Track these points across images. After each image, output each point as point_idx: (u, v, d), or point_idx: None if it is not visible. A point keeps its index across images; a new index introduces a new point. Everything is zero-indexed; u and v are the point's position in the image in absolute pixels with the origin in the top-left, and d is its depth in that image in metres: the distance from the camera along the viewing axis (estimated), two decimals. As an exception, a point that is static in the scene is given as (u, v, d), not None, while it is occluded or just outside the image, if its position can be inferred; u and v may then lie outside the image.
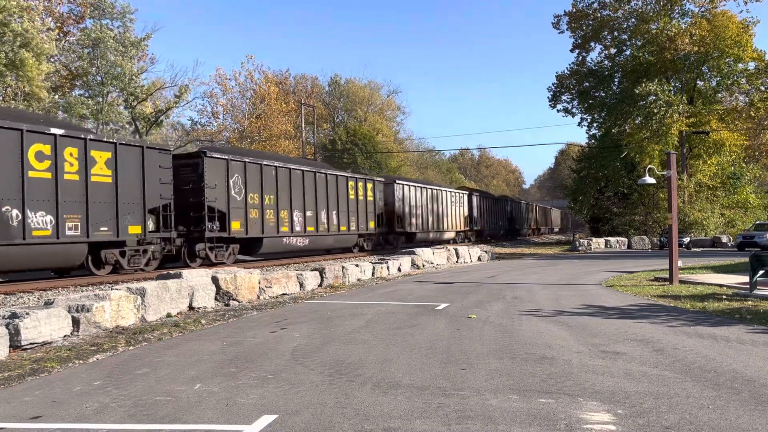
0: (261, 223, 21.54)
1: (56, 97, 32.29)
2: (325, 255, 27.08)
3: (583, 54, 48.49)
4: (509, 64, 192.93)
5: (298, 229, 23.79)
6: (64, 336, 8.65)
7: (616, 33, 46.14)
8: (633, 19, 44.55)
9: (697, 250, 35.46)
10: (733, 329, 8.77)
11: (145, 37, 38.09)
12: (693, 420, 4.76)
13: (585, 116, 49.78)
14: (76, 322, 8.95)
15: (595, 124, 49.41)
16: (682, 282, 15.63)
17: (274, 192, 22.38)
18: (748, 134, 43.42)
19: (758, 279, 13.12)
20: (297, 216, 23.77)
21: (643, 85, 39.58)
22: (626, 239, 40.62)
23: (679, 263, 16.63)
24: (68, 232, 14.65)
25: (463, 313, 10.80)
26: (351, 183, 28.24)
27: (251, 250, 21.90)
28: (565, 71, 49.69)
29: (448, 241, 40.15)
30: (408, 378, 6.19)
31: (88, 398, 5.68)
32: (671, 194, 15.89)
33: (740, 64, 41.63)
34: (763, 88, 42.12)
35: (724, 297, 12.50)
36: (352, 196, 28.07)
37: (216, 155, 19.91)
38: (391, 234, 33.25)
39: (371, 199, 29.99)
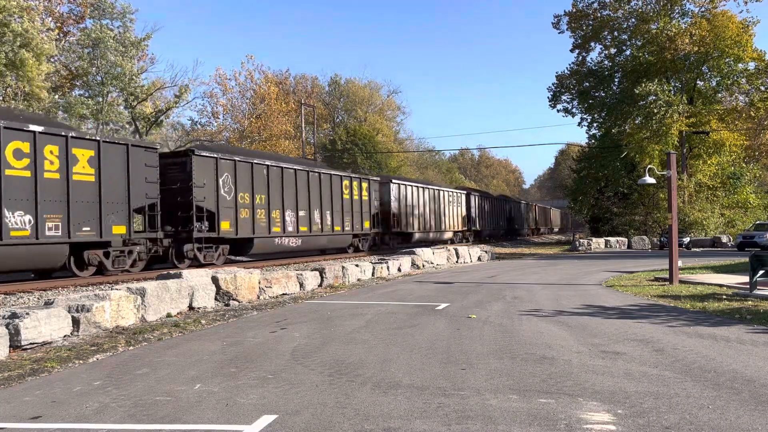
0: (252, 223, 21.17)
1: (56, 97, 32.30)
2: (318, 256, 26.66)
3: (583, 54, 48.55)
4: (509, 64, 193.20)
5: (290, 229, 23.39)
6: (64, 336, 8.66)
7: (616, 33, 46.15)
8: (633, 19, 44.56)
9: (697, 250, 35.46)
10: (733, 329, 8.77)
11: (145, 37, 38.10)
12: (693, 420, 4.76)
13: (585, 116, 49.83)
14: (76, 322, 8.95)
15: (595, 124, 49.44)
16: (682, 282, 15.62)
17: (266, 191, 21.99)
18: (748, 134, 43.42)
19: (758, 279, 13.12)
20: (289, 216, 23.38)
21: (643, 85, 39.59)
22: (626, 239, 40.62)
23: (679, 263, 16.63)
24: (48, 233, 14.31)
25: (463, 313, 10.80)
26: (345, 182, 27.84)
27: (242, 250, 21.52)
28: (565, 71, 49.75)
29: (445, 242, 39.75)
30: (408, 378, 6.19)
31: (88, 398, 5.68)
32: (671, 194, 15.89)
33: (740, 64, 41.64)
34: (763, 88, 42.12)
35: (724, 297, 12.50)
36: (346, 196, 27.65)
37: (204, 153, 19.55)
38: (387, 234, 32.87)
39: (366, 198, 29.59)
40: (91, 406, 5.40)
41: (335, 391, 5.73)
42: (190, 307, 11.59)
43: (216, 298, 12.35)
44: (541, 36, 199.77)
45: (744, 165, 46.83)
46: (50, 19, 33.64)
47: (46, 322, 8.25)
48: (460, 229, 43.32)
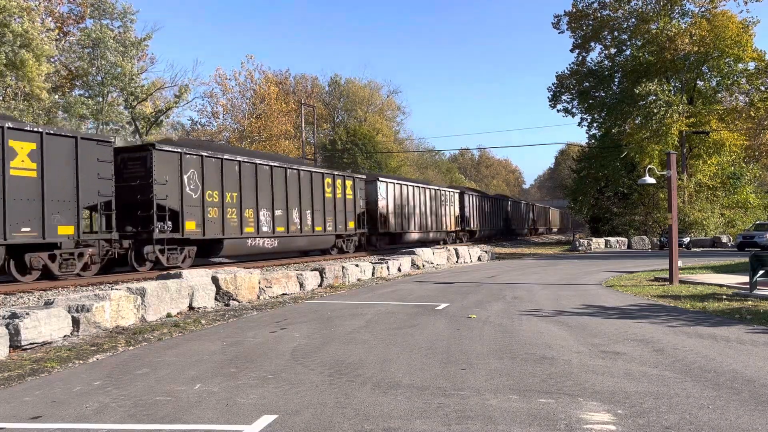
0: (221, 223, 19.74)
1: (56, 97, 32.33)
2: (297, 258, 25.10)
3: (583, 54, 48.58)
4: (509, 64, 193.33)
5: (265, 229, 21.88)
6: (64, 336, 8.65)
7: (616, 33, 46.18)
8: (633, 19, 44.58)
9: (697, 250, 35.46)
10: (733, 329, 8.77)
11: (145, 38, 38.15)
12: (693, 420, 4.76)
13: (585, 116, 49.85)
14: (76, 322, 8.95)
15: (595, 124, 49.46)
16: (682, 282, 15.62)
17: (238, 189, 20.55)
18: (748, 134, 43.42)
19: (758, 279, 13.12)
20: (264, 215, 21.90)
21: (643, 85, 39.60)
22: (626, 239, 40.63)
23: (679, 263, 16.64)
24: None
25: (463, 313, 10.80)
26: (327, 180, 26.15)
27: (210, 252, 20.14)
28: (565, 71, 49.77)
29: (436, 243, 38.10)
30: (408, 378, 6.19)
31: (88, 398, 5.68)
32: (671, 194, 15.89)
33: (740, 64, 41.65)
34: (763, 88, 42.12)
35: (724, 297, 12.50)
36: (328, 194, 26.07)
37: (167, 148, 18.13)
38: (374, 235, 31.32)
39: (351, 197, 27.98)
40: (91, 406, 5.40)
41: (335, 391, 5.73)
42: (190, 307, 11.59)
43: (216, 298, 12.36)
44: (541, 36, 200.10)
45: (744, 165, 46.85)
46: (50, 19, 33.68)
47: (46, 322, 8.25)
48: (453, 229, 42.22)
